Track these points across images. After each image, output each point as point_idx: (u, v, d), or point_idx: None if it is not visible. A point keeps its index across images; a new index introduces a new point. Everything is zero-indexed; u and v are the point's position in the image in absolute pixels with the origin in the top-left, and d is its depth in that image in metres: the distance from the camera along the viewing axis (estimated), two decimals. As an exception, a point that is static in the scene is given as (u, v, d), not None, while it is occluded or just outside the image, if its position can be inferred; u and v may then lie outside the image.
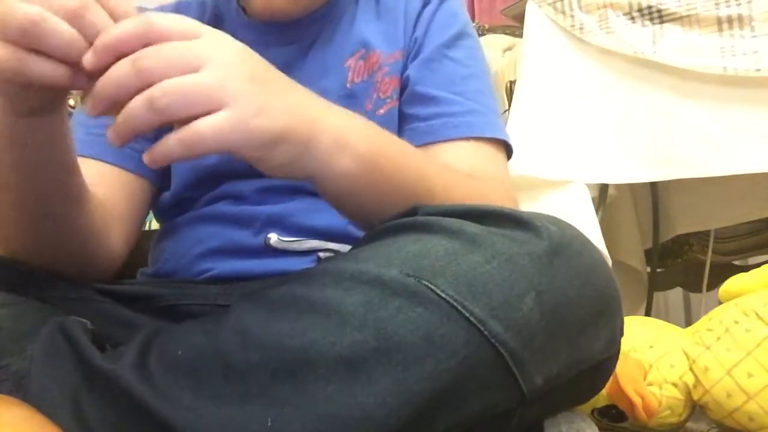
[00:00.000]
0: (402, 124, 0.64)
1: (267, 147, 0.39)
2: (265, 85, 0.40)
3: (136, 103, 0.36)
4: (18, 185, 0.48)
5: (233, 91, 0.37)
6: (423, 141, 0.62)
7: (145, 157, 0.37)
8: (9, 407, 0.32)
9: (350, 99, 0.64)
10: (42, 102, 0.42)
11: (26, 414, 0.32)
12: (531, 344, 0.37)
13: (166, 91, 0.36)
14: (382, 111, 0.64)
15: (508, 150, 0.65)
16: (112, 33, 0.37)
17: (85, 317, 0.44)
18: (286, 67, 0.64)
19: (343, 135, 0.43)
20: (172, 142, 0.37)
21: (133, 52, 0.36)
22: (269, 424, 0.33)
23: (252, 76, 0.39)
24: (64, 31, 0.36)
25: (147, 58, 0.36)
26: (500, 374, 0.36)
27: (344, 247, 0.59)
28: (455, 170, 0.56)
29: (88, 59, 0.37)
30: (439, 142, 0.61)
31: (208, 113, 0.36)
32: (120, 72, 0.36)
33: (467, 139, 0.61)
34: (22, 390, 0.37)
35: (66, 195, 0.51)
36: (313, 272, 0.38)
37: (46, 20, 0.36)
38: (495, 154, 0.63)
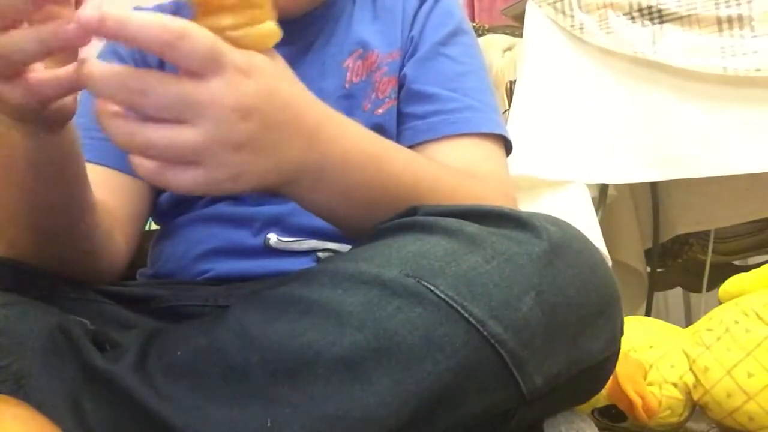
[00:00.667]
0: (400, 122, 0.64)
1: (236, 192, 0.40)
2: (256, 147, 0.37)
3: (120, 130, 0.35)
4: (31, 198, 0.48)
5: (212, 156, 0.36)
6: (422, 139, 0.62)
7: (133, 164, 0.36)
8: (9, 407, 0.32)
9: (349, 99, 0.64)
10: (57, 116, 0.42)
11: (27, 414, 0.32)
12: (530, 344, 0.37)
13: (149, 139, 0.35)
14: (380, 110, 0.64)
15: (507, 146, 0.65)
16: (137, 22, 0.34)
17: (85, 317, 0.44)
18: None
19: (323, 173, 0.42)
20: (146, 170, 0.36)
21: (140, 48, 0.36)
22: (269, 424, 0.33)
23: (245, 140, 0.36)
24: None
25: (144, 97, 0.34)
26: (500, 374, 0.36)
27: (344, 247, 0.59)
28: (450, 172, 0.56)
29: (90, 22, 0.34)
30: (438, 139, 0.61)
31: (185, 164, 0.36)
32: (118, 94, 0.35)
33: (466, 135, 0.61)
34: (22, 390, 0.37)
35: (76, 204, 0.51)
36: (312, 272, 0.38)
37: None
38: (494, 150, 0.62)
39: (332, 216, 0.46)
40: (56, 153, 0.46)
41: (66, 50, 0.37)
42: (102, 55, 0.69)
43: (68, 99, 0.42)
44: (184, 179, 0.36)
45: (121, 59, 0.67)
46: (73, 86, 0.38)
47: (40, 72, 0.38)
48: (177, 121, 0.35)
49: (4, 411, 0.31)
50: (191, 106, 0.35)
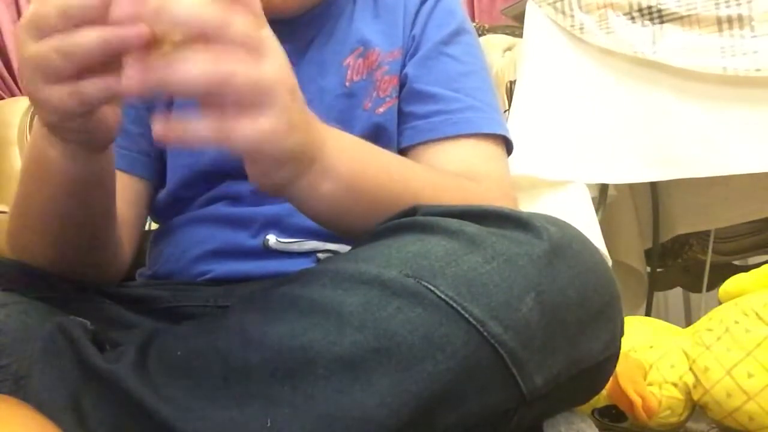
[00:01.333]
0: (401, 122, 0.64)
1: (280, 164, 0.39)
2: (296, 99, 0.38)
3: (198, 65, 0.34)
4: (62, 213, 0.48)
5: (281, 99, 0.36)
6: (423, 138, 0.62)
7: (160, 129, 0.35)
8: (9, 407, 0.32)
9: (349, 98, 0.64)
10: (100, 132, 0.42)
11: (27, 414, 0.32)
12: (530, 344, 0.37)
13: (236, 74, 0.34)
14: (381, 109, 0.64)
15: (509, 146, 0.65)
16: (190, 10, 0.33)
17: (85, 318, 0.44)
18: None
19: (327, 157, 0.43)
20: (204, 127, 0.34)
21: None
22: (268, 424, 0.33)
23: (294, 88, 0.38)
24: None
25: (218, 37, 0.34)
26: (499, 374, 0.36)
27: (343, 248, 0.59)
28: (447, 175, 0.56)
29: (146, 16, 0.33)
30: (439, 139, 0.61)
31: (251, 107, 0.35)
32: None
33: (467, 136, 0.61)
34: (22, 390, 0.37)
35: (103, 219, 0.52)
36: (312, 272, 0.38)
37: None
38: (494, 150, 0.62)
39: (333, 216, 0.46)
40: (94, 174, 0.46)
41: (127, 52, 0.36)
42: None
43: (111, 114, 0.41)
44: (258, 129, 0.35)
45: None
46: (121, 89, 0.36)
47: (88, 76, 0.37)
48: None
49: (4, 411, 0.31)
50: (262, 43, 0.35)
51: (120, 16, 0.34)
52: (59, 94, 0.36)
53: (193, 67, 0.33)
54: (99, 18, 0.34)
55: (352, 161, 0.45)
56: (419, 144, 0.62)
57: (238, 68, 0.34)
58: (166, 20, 0.33)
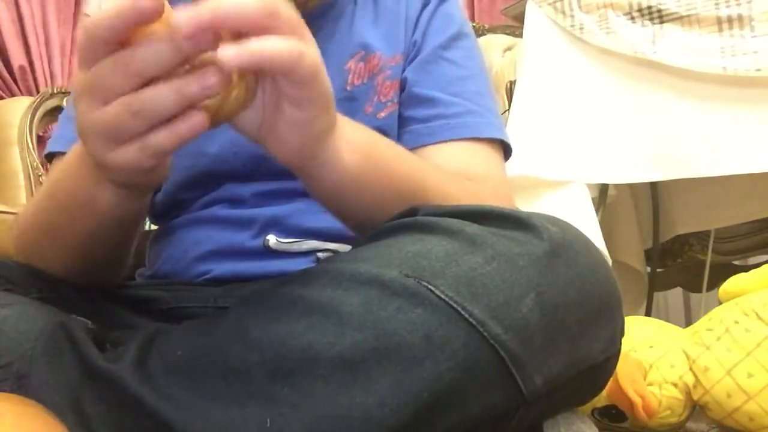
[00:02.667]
0: (400, 125, 0.64)
1: (326, 105, 0.40)
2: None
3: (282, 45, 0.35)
4: (93, 238, 0.49)
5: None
6: (421, 143, 0.62)
7: (231, 52, 0.34)
8: (16, 406, 0.32)
9: (350, 102, 0.64)
10: (159, 177, 0.43)
11: (35, 413, 0.32)
12: (530, 345, 0.37)
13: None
14: (382, 114, 0.64)
15: (507, 150, 0.65)
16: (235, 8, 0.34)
17: (85, 318, 0.44)
18: None
19: (345, 131, 0.44)
20: (281, 44, 0.35)
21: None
22: (268, 424, 0.33)
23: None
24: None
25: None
26: (499, 375, 0.36)
27: (344, 248, 0.59)
28: (448, 172, 0.56)
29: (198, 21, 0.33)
30: (437, 143, 0.61)
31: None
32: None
33: (465, 140, 0.61)
34: (22, 389, 0.37)
35: (129, 242, 0.53)
36: (312, 272, 0.39)
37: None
38: (492, 154, 0.63)
39: (347, 194, 0.46)
40: (134, 212, 0.47)
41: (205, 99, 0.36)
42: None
43: (166, 161, 0.42)
44: (296, 47, 0.36)
45: None
46: (191, 133, 0.36)
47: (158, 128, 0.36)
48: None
49: (13, 410, 0.31)
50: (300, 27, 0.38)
51: (188, 43, 0.33)
52: (130, 153, 0.36)
53: (277, 44, 0.35)
54: (163, 60, 0.34)
55: (368, 137, 0.47)
56: (417, 148, 0.62)
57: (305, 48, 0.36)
58: (229, 22, 0.34)
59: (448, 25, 0.67)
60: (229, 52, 0.33)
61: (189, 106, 0.35)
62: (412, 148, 0.62)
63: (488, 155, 0.62)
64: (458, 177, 0.56)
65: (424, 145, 0.62)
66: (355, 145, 0.44)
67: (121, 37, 0.34)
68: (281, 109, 0.39)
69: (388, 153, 0.49)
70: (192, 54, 0.34)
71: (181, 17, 0.33)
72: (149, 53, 0.34)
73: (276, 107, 0.39)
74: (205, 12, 0.33)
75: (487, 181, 0.59)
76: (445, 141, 0.61)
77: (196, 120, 0.35)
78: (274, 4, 0.35)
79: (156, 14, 0.33)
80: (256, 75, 0.39)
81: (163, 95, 0.34)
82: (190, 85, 0.34)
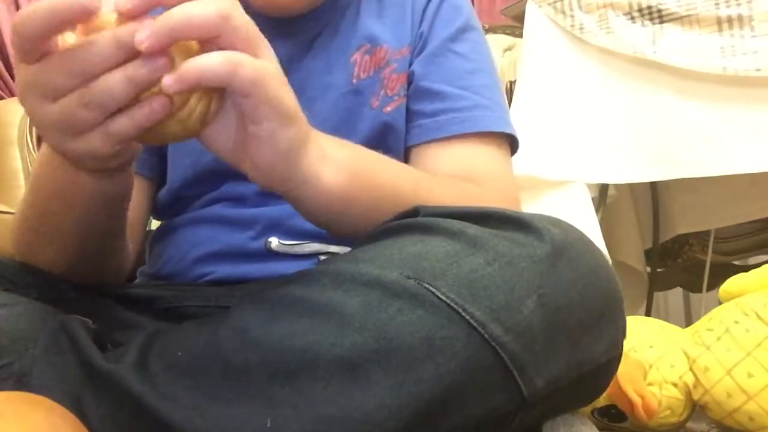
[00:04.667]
0: (408, 120, 0.64)
1: (283, 117, 0.39)
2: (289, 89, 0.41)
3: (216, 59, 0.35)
4: (82, 226, 0.48)
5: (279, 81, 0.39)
6: (430, 137, 0.61)
7: (170, 79, 0.35)
8: (19, 405, 0.32)
9: (356, 95, 0.63)
10: (123, 158, 0.42)
11: (41, 415, 0.32)
12: (532, 347, 0.36)
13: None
14: (389, 108, 0.63)
15: (514, 144, 0.65)
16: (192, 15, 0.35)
17: (86, 318, 0.44)
18: (290, 62, 0.64)
19: (327, 148, 0.44)
20: (215, 57, 0.35)
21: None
22: (268, 424, 0.33)
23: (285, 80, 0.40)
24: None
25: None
26: (500, 377, 0.36)
27: (345, 250, 0.59)
28: (443, 178, 0.56)
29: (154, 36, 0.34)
30: (445, 138, 0.61)
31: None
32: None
33: (473, 135, 0.61)
34: (23, 389, 0.37)
35: (119, 230, 0.52)
36: (313, 273, 0.38)
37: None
38: (498, 150, 0.62)
39: (332, 211, 0.46)
40: (114, 191, 0.46)
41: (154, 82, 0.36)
42: None
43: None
44: (259, 65, 0.37)
45: None
46: (150, 118, 0.36)
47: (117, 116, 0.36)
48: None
49: (13, 410, 0.31)
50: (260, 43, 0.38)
51: (144, 43, 0.34)
52: (92, 142, 0.36)
53: (210, 57, 0.35)
54: (109, 59, 0.34)
55: (353, 154, 0.46)
56: (425, 143, 0.62)
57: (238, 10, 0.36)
58: (186, 30, 0.34)
59: (456, 17, 0.66)
60: (167, 81, 0.34)
61: (143, 89, 0.35)
62: (420, 143, 0.62)
63: (494, 152, 0.62)
64: (456, 182, 0.56)
65: (432, 140, 0.61)
66: (341, 164, 0.44)
67: (55, 33, 0.34)
68: (245, 126, 0.39)
69: (377, 168, 0.48)
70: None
71: (130, 26, 0.34)
72: (91, 54, 0.34)
73: (242, 125, 0.40)
74: (159, 24, 0.34)
75: (492, 183, 0.59)
76: (453, 135, 0.61)
77: (156, 105, 0.35)
78: (227, 10, 0.35)
79: (89, 14, 0.33)
80: (219, 92, 0.39)
81: (112, 84, 0.34)
82: (139, 69, 0.34)
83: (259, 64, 0.37)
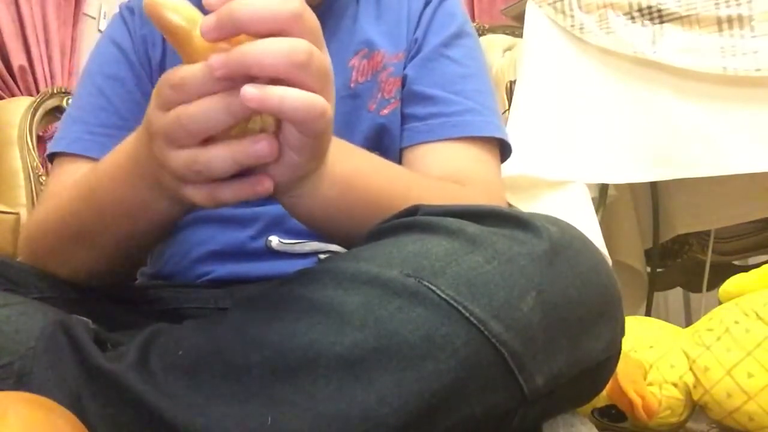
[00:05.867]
0: (401, 123, 0.64)
1: (317, 157, 0.40)
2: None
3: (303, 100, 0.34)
4: (124, 240, 0.48)
5: (332, 92, 0.38)
6: (421, 140, 0.62)
7: (253, 93, 0.33)
8: (21, 405, 0.32)
9: (354, 99, 0.64)
10: None
11: (41, 414, 0.32)
12: (531, 344, 0.37)
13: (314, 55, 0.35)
14: (385, 111, 0.64)
15: (507, 149, 0.65)
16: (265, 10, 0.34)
17: (86, 317, 0.44)
18: None
19: (331, 164, 0.43)
20: (301, 96, 0.34)
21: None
22: (269, 423, 0.33)
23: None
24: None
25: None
26: (501, 374, 0.36)
27: (345, 249, 0.59)
28: (433, 179, 0.56)
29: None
30: (436, 141, 0.61)
31: (319, 89, 0.36)
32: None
33: (463, 139, 0.61)
34: (23, 388, 0.37)
35: (165, 234, 0.52)
36: (313, 272, 0.38)
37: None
38: (488, 155, 0.63)
39: (326, 219, 0.46)
40: (182, 213, 0.47)
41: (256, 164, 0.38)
42: (100, 46, 0.69)
43: None
44: (316, 100, 0.35)
45: (121, 50, 0.66)
46: (252, 197, 0.39)
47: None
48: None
49: (14, 410, 0.31)
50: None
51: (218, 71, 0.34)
52: (199, 196, 0.39)
53: (279, 46, 0.34)
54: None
55: (350, 167, 0.45)
56: (416, 145, 0.62)
57: (316, 51, 0.35)
58: (255, 24, 0.34)
59: (450, 23, 0.67)
60: (251, 92, 0.33)
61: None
62: (411, 146, 0.62)
63: (484, 155, 0.62)
64: (444, 183, 0.56)
65: (423, 143, 0.61)
66: (337, 177, 0.44)
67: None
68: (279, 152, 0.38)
69: (372, 178, 0.48)
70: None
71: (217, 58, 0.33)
72: (202, 115, 0.35)
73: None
74: (238, 56, 0.33)
75: (478, 184, 0.59)
76: (444, 139, 0.61)
77: (261, 186, 0.38)
78: (300, 13, 0.34)
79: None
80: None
81: (219, 157, 0.36)
82: (244, 153, 0.36)
83: (330, 114, 0.37)
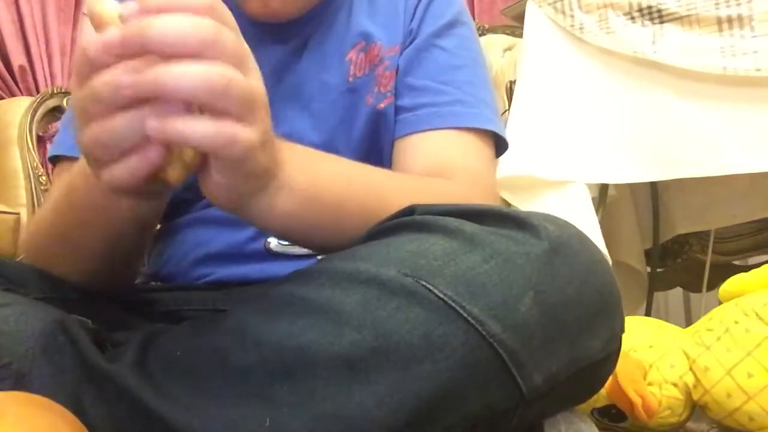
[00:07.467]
0: (394, 115, 0.64)
1: (251, 177, 0.38)
2: (268, 114, 0.38)
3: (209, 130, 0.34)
4: (108, 243, 0.49)
5: (263, 113, 0.36)
6: (409, 131, 0.61)
7: (155, 122, 0.33)
8: (20, 405, 0.32)
9: (352, 93, 0.64)
10: (158, 188, 0.41)
11: (40, 413, 0.32)
12: (530, 343, 0.37)
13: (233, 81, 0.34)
14: (382, 105, 0.64)
15: (500, 142, 0.65)
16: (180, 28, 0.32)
17: (85, 318, 0.44)
18: (285, 64, 0.64)
19: (285, 175, 0.41)
20: (204, 127, 0.33)
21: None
22: (267, 423, 0.33)
23: (267, 104, 0.38)
24: None
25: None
26: (499, 374, 0.36)
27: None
28: (415, 178, 0.55)
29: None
30: (424, 131, 0.61)
31: (238, 114, 0.35)
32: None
33: (451, 129, 0.60)
34: (23, 389, 0.37)
35: (147, 244, 0.53)
36: (311, 272, 0.38)
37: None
38: (477, 146, 0.62)
39: (292, 231, 0.45)
40: (150, 214, 0.47)
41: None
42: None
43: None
44: (249, 137, 0.35)
45: None
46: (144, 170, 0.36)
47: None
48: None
49: (14, 410, 0.31)
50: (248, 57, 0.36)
51: (129, 47, 0.33)
52: (115, 173, 0.36)
53: (195, 72, 0.32)
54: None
55: (312, 178, 0.44)
56: (404, 135, 0.62)
57: (236, 77, 0.34)
58: (171, 41, 0.32)
59: (444, 12, 0.66)
60: (151, 125, 0.33)
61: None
62: (401, 137, 0.62)
63: (474, 147, 0.61)
64: (426, 180, 0.56)
65: (411, 133, 0.61)
66: (296, 191, 0.42)
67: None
68: (207, 169, 0.37)
69: (342, 185, 0.46)
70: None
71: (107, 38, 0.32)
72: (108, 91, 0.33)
73: (203, 167, 0.38)
74: (151, 79, 0.32)
75: (465, 177, 0.58)
76: (432, 129, 0.60)
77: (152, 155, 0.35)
78: (220, 34, 0.33)
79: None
80: None
81: (123, 126, 0.34)
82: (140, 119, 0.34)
83: (250, 139, 0.35)
